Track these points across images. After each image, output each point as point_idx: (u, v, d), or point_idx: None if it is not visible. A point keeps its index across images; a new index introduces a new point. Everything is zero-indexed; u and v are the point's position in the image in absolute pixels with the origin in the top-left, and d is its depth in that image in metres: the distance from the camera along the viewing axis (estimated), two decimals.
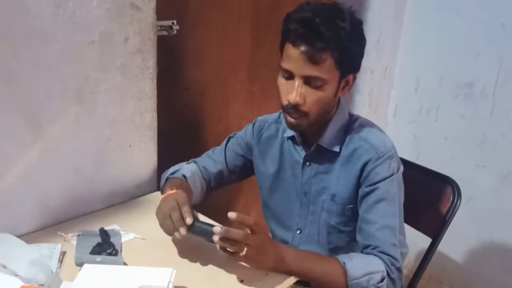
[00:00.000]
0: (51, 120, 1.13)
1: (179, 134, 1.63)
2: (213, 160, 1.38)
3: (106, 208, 1.30)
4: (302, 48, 1.05)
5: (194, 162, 1.38)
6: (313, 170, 1.24)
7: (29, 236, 1.13)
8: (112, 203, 1.32)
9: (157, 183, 1.41)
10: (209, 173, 1.36)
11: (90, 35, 1.15)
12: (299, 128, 1.14)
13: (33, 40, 1.06)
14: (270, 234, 1.45)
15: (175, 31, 1.50)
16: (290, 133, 1.27)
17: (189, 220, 1.05)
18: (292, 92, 1.09)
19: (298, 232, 1.29)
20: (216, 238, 0.99)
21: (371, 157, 1.15)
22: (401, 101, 2.25)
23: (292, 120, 1.12)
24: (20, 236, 1.11)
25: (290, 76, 1.10)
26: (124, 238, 1.15)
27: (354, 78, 1.17)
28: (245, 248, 1.00)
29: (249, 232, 1.01)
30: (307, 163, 1.24)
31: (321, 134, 1.19)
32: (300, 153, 1.25)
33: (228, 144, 1.40)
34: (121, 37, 1.21)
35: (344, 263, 1.07)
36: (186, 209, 1.06)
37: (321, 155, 1.21)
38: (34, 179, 1.14)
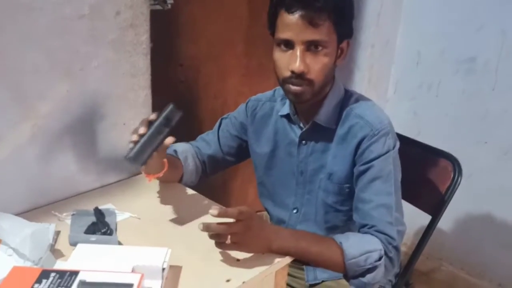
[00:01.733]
0: (40, 96, 1.10)
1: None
2: (206, 142, 1.36)
3: (101, 188, 1.28)
4: (300, 12, 1.02)
5: (189, 143, 1.36)
6: (309, 148, 1.21)
7: (22, 216, 1.10)
8: (107, 182, 1.29)
9: None
10: (203, 155, 1.34)
11: (79, 8, 1.11)
12: (303, 96, 1.09)
13: (18, 13, 1.02)
14: (265, 216, 1.45)
15: (169, 5, 1.45)
16: (284, 111, 1.24)
17: (142, 129, 1.01)
18: (295, 60, 1.05)
19: (294, 211, 1.27)
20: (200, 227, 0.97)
21: (366, 134, 1.12)
22: (401, 76, 2.20)
23: (297, 88, 1.08)
24: None
25: (289, 46, 1.06)
26: (119, 218, 1.14)
27: (348, 45, 1.14)
28: (229, 237, 0.97)
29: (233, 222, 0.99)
30: (303, 141, 1.21)
31: (317, 111, 1.16)
32: (295, 131, 1.23)
33: (222, 126, 1.37)
34: (112, 11, 1.17)
35: (340, 242, 1.06)
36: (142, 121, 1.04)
37: (317, 133, 1.19)
38: (26, 157, 1.11)
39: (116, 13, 1.18)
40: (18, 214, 1.10)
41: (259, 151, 1.31)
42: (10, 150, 1.08)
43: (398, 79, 2.22)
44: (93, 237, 1.01)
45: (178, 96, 1.63)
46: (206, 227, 0.96)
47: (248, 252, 1.02)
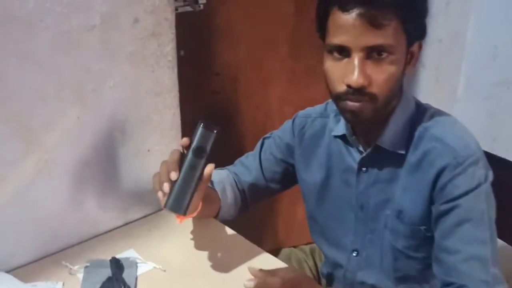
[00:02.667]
0: (46, 126, 0.92)
1: None
2: (246, 167, 1.14)
3: (124, 226, 1.10)
4: (358, 10, 0.79)
5: (226, 169, 1.15)
6: (371, 177, 0.97)
7: (28, 268, 0.94)
8: (131, 219, 1.11)
9: None
10: (243, 182, 1.13)
11: (88, 18, 0.92)
12: (363, 115, 0.86)
13: (13, 29, 0.84)
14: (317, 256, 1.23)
15: (201, 6, 1.25)
16: (339, 130, 1.00)
17: (174, 175, 0.85)
18: (353, 72, 0.82)
19: (354, 254, 1.03)
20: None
21: (447, 164, 0.86)
22: (474, 73, 1.90)
23: (355, 104, 0.85)
24: (17, 268, 0.94)
25: (344, 53, 0.83)
26: (140, 270, 0.95)
27: (420, 48, 0.90)
28: None
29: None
30: (363, 168, 0.97)
31: (380, 131, 0.92)
32: (353, 155, 0.99)
33: (264, 147, 1.14)
34: (129, 19, 0.97)
35: None
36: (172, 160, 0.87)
37: (382, 159, 0.94)
38: (31, 198, 0.94)
39: (133, 21, 0.98)
40: (23, 266, 0.94)
41: (308, 178, 1.08)
42: (13, 191, 0.91)
43: (470, 76, 1.92)
44: None
45: (214, 110, 1.43)
46: None
47: None
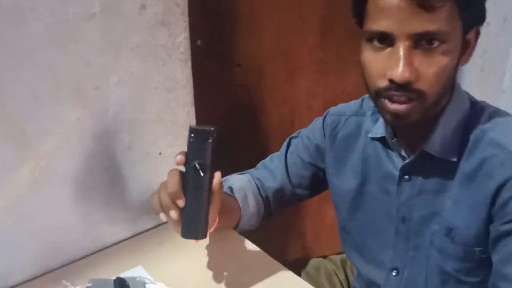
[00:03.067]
0: (42, 129, 0.81)
1: (230, 127, 1.26)
2: (270, 171, 1.01)
3: (130, 238, 0.99)
4: None
5: (248, 173, 1.03)
6: (415, 187, 0.82)
7: (24, 287, 0.85)
8: (140, 229, 1.00)
9: None
10: (266, 189, 1.00)
11: (87, 5, 0.80)
12: (408, 118, 0.72)
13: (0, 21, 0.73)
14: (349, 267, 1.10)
15: None
16: (377, 132, 0.86)
17: (181, 203, 0.73)
18: (397, 64, 0.68)
19: (394, 273, 0.89)
20: None
21: (510, 176, 0.72)
22: None
23: (399, 107, 0.71)
24: (14, 287, 0.84)
25: (386, 41, 0.69)
26: None
27: (477, 35, 0.75)
28: None
29: None
30: (406, 176, 0.83)
31: (428, 134, 0.77)
32: (394, 161, 0.85)
33: (290, 148, 1.02)
34: (135, 5, 0.85)
35: None
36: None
37: (428, 167, 0.80)
38: (27, 209, 0.83)
39: (140, 7, 0.86)
40: (19, 285, 0.85)
41: (341, 185, 0.94)
42: (6, 203, 0.81)
43: None
44: None
45: (236, 105, 1.30)
46: None
47: None
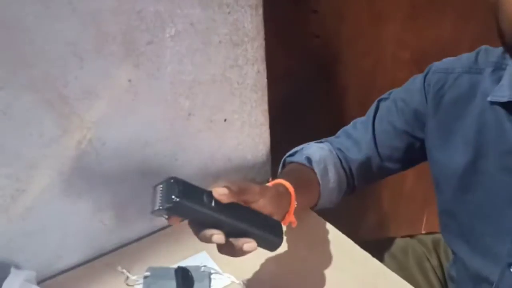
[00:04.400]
0: (86, 94, 0.68)
1: (304, 85, 1.09)
2: (354, 140, 0.85)
3: None
4: None
5: (327, 142, 0.86)
6: None
7: (76, 273, 0.75)
8: None
9: (273, 173, 0.92)
10: (349, 161, 0.85)
11: None
12: None
13: None
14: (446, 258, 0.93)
15: None
16: (501, 94, 0.67)
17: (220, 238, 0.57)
18: None
19: None
20: None
21: None
22: None
23: None
24: (63, 273, 0.75)
25: None
26: (215, 285, 0.71)
27: None
28: None
29: None
30: None
31: None
32: None
33: (379, 113, 0.85)
34: None
35: None
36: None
37: None
38: (76, 185, 0.72)
39: None
40: (71, 269, 0.75)
41: (446, 160, 0.76)
42: (51, 181, 0.69)
43: None
44: None
45: (310, 59, 1.11)
46: None
47: None
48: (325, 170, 0.82)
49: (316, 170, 0.81)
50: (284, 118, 0.89)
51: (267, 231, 0.59)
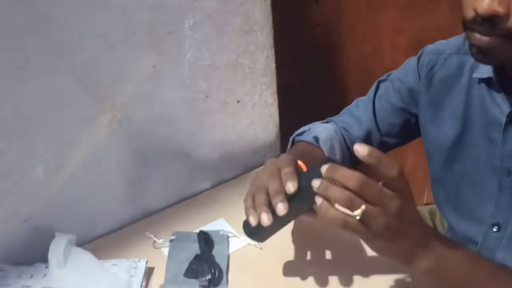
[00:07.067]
0: (117, 78, 0.77)
1: (307, 70, 1.17)
2: (356, 118, 0.93)
3: (210, 190, 0.95)
4: None
5: (332, 121, 0.95)
6: None
7: (109, 239, 0.84)
8: (217, 181, 0.96)
9: (282, 149, 1.02)
10: (353, 138, 0.92)
11: None
12: (489, 56, 0.62)
13: None
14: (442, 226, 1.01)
15: None
16: (484, 71, 0.74)
17: (290, 186, 0.62)
18: None
19: (494, 229, 0.79)
20: (316, 184, 0.57)
21: None
22: None
23: (481, 39, 0.61)
24: (97, 239, 0.84)
25: None
26: (232, 246, 0.81)
27: None
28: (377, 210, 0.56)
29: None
30: None
31: None
32: (501, 105, 0.73)
33: (379, 92, 0.92)
34: None
35: None
36: (288, 171, 0.65)
37: None
38: (105, 163, 0.81)
39: None
40: (104, 236, 0.84)
41: (437, 133, 0.84)
42: (87, 155, 0.78)
43: None
44: None
45: (313, 46, 1.20)
46: (331, 171, 0.58)
47: (383, 253, 0.61)
48: (332, 149, 0.89)
49: (324, 149, 0.88)
50: (292, 100, 0.97)
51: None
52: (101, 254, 0.77)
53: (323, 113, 0.97)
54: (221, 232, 0.82)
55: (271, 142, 1.00)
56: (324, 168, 0.58)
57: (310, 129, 0.92)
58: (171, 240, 0.81)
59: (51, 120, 0.73)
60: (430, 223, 1.08)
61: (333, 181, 0.58)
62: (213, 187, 0.95)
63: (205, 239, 0.80)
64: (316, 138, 0.89)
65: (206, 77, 0.85)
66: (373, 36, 1.29)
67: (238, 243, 0.81)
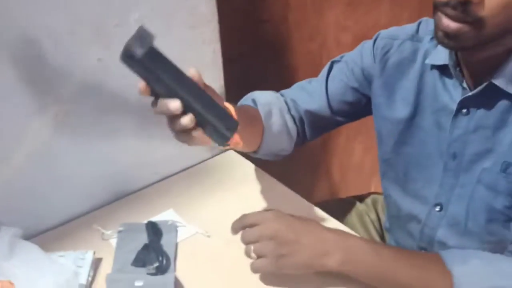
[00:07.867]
0: (61, 71, 0.77)
1: (255, 65, 1.20)
2: (308, 93, 0.94)
3: (159, 182, 0.97)
4: None
5: (281, 93, 0.97)
6: (471, 121, 0.76)
7: (56, 233, 0.84)
8: (167, 174, 0.98)
9: None
10: (301, 110, 0.94)
11: None
12: (454, 41, 0.66)
13: None
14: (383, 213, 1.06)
15: None
16: (439, 58, 0.78)
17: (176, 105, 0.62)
18: None
19: (437, 208, 0.85)
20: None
21: None
22: None
23: (450, 24, 0.64)
24: (45, 232, 0.84)
25: None
26: (181, 235, 0.82)
27: None
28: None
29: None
30: (464, 110, 0.76)
31: (498, 66, 0.70)
32: (452, 92, 0.78)
33: (333, 72, 0.94)
34: None
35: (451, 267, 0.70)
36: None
37: (491, 101, 0.73)
38: (54, 155, 0.81)
39: None
40: (51, 229, 0.84)
41: (389, 115, 0.88)
42: (31, 151, 0.78)
43: None
44: (139, 281, 0.70)
45: (261, 43, 1.23)
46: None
47: (290, 270, 0.72)
48: (269, 113, 0.88)
49: (261, 112, 0.87)
50: (239, 95, 1.00)
51: (221, 120, 0.62)
52: (48, 247, 0.77)
53: None
54: (170, 221, 0.84)
55: None
56: None
57: (250, 94, 0.93)
58: (119, 232, 0.82)
59: None
60: (372, 211, 1.13)
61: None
62: (163, 179, 0.97)
63: (153, 229, 0.81)
64: (254, 101, 0.89)
65: None
66: (319, 33, 1.34)
67: (187, 232, 0.83)
